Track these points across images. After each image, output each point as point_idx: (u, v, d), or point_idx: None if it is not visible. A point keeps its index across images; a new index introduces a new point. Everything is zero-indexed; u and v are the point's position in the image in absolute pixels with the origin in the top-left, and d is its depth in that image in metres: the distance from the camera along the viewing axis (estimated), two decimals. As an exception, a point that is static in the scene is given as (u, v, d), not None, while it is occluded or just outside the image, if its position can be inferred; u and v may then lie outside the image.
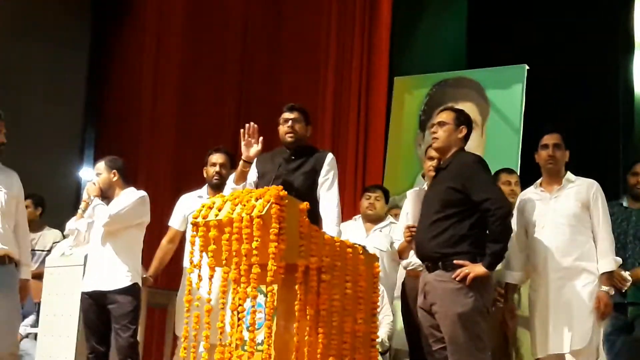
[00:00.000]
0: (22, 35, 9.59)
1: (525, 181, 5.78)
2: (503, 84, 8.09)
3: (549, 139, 5.21)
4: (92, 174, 9.45)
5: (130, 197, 5.72)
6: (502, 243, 4.55)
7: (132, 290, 5.61)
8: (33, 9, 9.74)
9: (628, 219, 5.60)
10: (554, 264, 4.97)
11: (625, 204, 5.72)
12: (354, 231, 6.39)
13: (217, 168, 5.94)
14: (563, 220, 5.03)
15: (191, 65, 9.82)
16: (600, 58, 8.33)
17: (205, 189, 6.04)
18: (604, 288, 4.94)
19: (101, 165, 5.87)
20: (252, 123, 5.13)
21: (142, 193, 5.80)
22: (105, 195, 5.78)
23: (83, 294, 5.72)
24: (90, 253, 5.77)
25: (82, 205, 5.86)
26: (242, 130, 5.11)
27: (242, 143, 5.10)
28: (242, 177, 5.11)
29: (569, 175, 5.20)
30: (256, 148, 5.08)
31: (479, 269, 4.48)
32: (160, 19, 9.93)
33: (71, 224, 5.92)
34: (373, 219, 6.42)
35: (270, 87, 9.55)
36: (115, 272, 5.59)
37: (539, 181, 5.29)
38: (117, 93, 10.30)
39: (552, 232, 5.03)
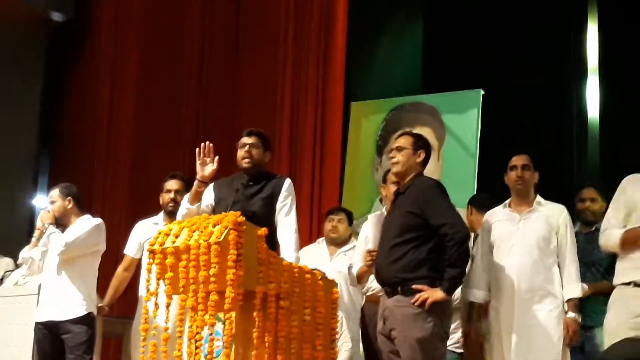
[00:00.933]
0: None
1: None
2: (459, 108, 8.14)
3: (517, 160, 5.24)
4: (46, 202, 9.38)
5: (85, 224, 5.66)
6: (460, 268, 4.56)
7: (86, 320, 5.53)
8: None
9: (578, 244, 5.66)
10: (522, 285, 4.99)
11: (577, 228, 5.76)
12: (318, 254, 6.36)
13: (172, 195, 5.89)
14: (532, 242, 5.06)
15: (147, 92, 9.77)
16: (554, 82, 8.44)
17: (161, 215, 5.99)
18: (571, 315, 4.98)
19: (55, 192, 5.80)
20: (207, 142, 5.09)
21: (98, 220, 5.75)
22: (60, 222, 5.71)
23: (37, 323, 5.62)
24: (44, 282, 5.68)
25: (36, 233, 5.78)
26: (197, 150, 5.08)
27: (198, 162, 5.07)
28: (197, 197, 5.07)
29: (539, 198, 5.22)
30: (211, 167, 5.05)
31: (437, 293, 4.48)
32: (116, 46, 9.89)
33: (25, 253, 5.83)
34: (337, 242, 6.39)
35: (228, 113, 9.52)
36: (70, 301, 5.51)
37: (507, 201, 5.31)
38: (72, 120, 10.22)
39: (520, 253, 5.06)
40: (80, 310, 5.51)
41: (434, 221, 4.56)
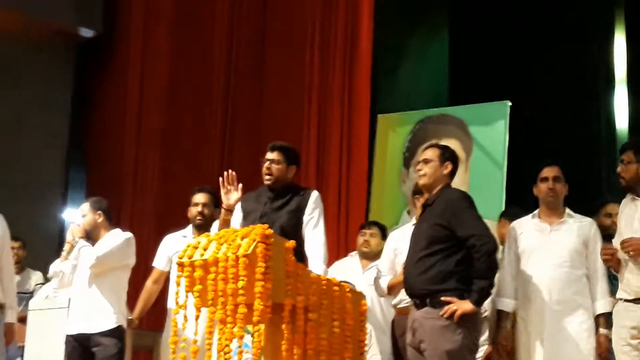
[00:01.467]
0: (6, 79, 9.59)
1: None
2: (486, 120, 8.12)
3: (548, 172, 5.21)
4: (75, 215, 9.44)
5: (116, 238, 5.69)
6: (489, 279, 4.54)
7: (117, 333, 5.56)
8: (17, 54, 9.76)
9: None
10: (553, 296, 4.97)
11: None
12: (350, 268, 6.36)
13: (199, 208, 5.92)
14: (564, 253, 5.04)
15: (175, 105, 9.84)
16: (581, 93, 8.41)
17: (189, 228, 6.01)
18: (603, 331, 4.95)
19: (86, 206, 5.84)
20: (230, 171, 5.11)
21: (128, 234, 5.78)
22: (90, 236, 5.75)
23: (67, 336, 5.66)
24: (75, 295, 5.72)
25: (67, 247, 5.81)
26: (220, 179, 5.09)
27: (222, 192, 5.09)
28: (225, 225, 5.07)
29: (569, 210, 5.21)
30: (236, 196, 5.07)
31: (466, 305, 4.47)
32: (144, 59, 9.96)
33: (55, 266, 5.87)
34: (369, 256, 6.36)
35: (254, 126, 9.56)
36: (101, 314, 5.55)
37: (536, 212, 5.28)
38: (101, 134, 10.29)
39: (551, 264, 5.03)
40: (110, 323, 5.54)
41: (462, 233, 4.56)
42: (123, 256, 5.67)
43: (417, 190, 5.67)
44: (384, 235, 6.41)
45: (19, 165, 9.40)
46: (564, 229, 5.12)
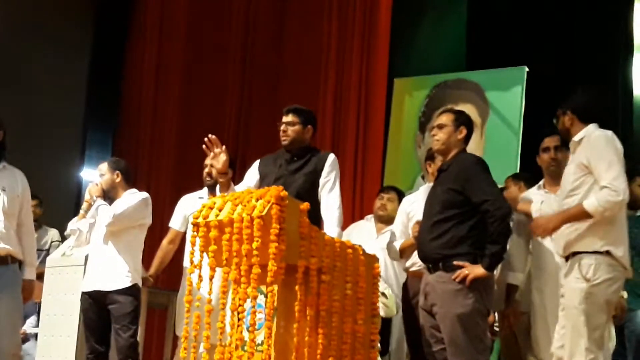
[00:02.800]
0: (24, 37, 9.63)
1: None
2: (503, 85, 8.09)
3: (549, 142, 5.21)
4: (93, 175, 9.50)
5: (133, 198, 5.75)
6: (501, 244, 4.56)
7: (132, 291, 5.63)
8: (35, 11, 9.78)
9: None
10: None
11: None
12: (365, 231, 6.39)
13: (207, 169, 5.95)
14: None
15: (193, 66, 9.87)
16: (599, 60, 8.33)
17: (206, 190, 6.06)
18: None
19: (104, 166, 5.89)
20: (210, 135, 5.04)
21: (145, 194, 5.84)
22: (108, 195, 5.81)
23: (83, 293, 5.73)
24: (91, 253, 5.78)
25: (84, 205, 5.87)
26: (203, 147, 5.02)
27: (209, 158, 5.08)
28: (225, 188, 5.02)
29: None
30: (223, 158, 4.97)
31: (478, 270, 4.49)
32: (162, 22, 9.99)
33: (73, 224, 5.93)
34: (384, 220, 6.37)
35: (271, 88, 9.57)
36: (116, 272, 5.61)
37: (541, 182, 5.29)
38: (119, 95, 10.35)
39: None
40: (126, 281, 5.60)
41: (476, 198, 4.57)
42: (139, 215, 5.72)
43: (430, 156, 5.67)
44: (401, 201, 6.42)
45: (37, 125, 9.46)
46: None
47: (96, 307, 5.66)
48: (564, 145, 5.13)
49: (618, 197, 4.30)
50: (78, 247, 5.99)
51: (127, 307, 5.57)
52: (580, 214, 4.36)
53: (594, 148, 4.44)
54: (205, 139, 5.00)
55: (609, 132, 4.50)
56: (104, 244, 5.69)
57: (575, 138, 4.58)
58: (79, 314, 5.85)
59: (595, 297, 4.31)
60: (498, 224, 4.50)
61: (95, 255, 5.74)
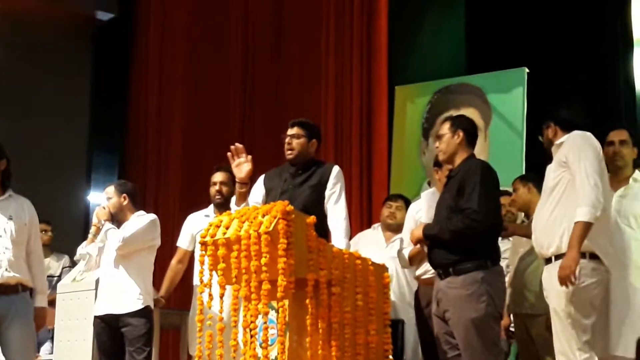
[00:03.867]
0: (27, 63, 9.68)
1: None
2: (504, 88, 8.09)
3: (614, 135, 5.10)
4: (100, 198, 9.50)
5: (140, 220, 5.76)
6: (448, 236, 4.58)
7: (145, 313, 5.63)
8: (36, 37, 9.83)
9: None
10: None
11: None
12: (373, 240, 6.38)
13: (217, 187, 5.97)
14: (632, 220, 4.86)
15: (195, 85, 9.90)
16: (599, 56, 8.32)
17: (211, 208, 6.06)
18: None
19: (111, 189, 5.90)
20: (236, 144, 5.07)
21: (153, 216, 5.84)
22: (116, 218, 5.81)
23: (96, 317, 5.73)
24: (102, 277, 5.79)
25: (93, 229, 5.88)
26: (229, 153, 5.06)
27: (233, 165, 5.07)
28: (242, 199, 5.04)
29: (637, 174, 5.02)
30: (247, 167, 5.00)
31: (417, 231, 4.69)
32: (162, 41, 10.03)
33: (82, 249, 5.94)
34: (393, 229, 6.35)
35: (273, 103, 9.58)
36: (128, 295, 5.61)
37: None
38: (123, 116, 10.39)
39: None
40: (138, 304, 5.60)
41: (462, 201, 4.58)
42: (148, 237, 5.73)
43: (437, 162, 5.68)
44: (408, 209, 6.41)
45: (42, 150, 9.49)
46: (631, 194, 4.94)
47: (109, 331, 5.66)
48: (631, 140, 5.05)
49: (602, 198, 4.31)
50: (88, 271, 6.00)
51: (141, 330, 5.57)
52: (582, 230, 4.31)
53: (573, 145, 4.48)
54: (232, 147, 5.02)
55: (588, 133, 4.52)
56: (114, 267, 5.68)
57: (557, 142, 4.62)
58: (93, 338, 5.84)
59: (580, 300, 4.32)
60: (465, 226, 4.51)
61: (106, 279, 5.73)
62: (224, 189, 5.90)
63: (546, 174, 4.66)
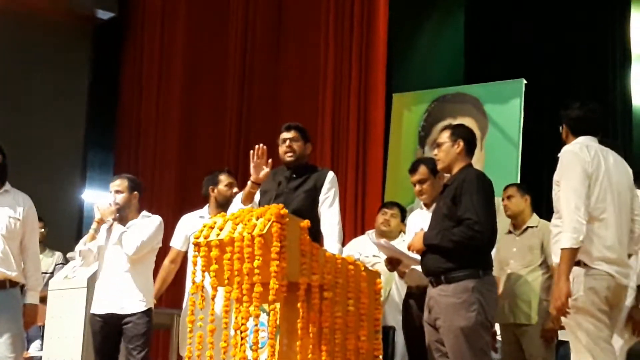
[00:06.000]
0: (27, 60, 9.68)
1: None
2: (501, 98, 8.11)
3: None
4: (95, 195, 9.52)
5: (150, 223, 5.66)
6: (448, 244, 4.57)
7: (148, 314, 5.58)
8: (34, 36, 9.84)
9: None
10: None
11: None
12: (367, 247, 6.38)
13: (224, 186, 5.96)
14: None
15: (192, 88, 9.90)
16: (597, 70, 8.37)
17: (206, 209, 6.05)
18: None
19: (123, 183, 5.73)
20: (261, 145, 5.08)
21: (160, 219, 5.74)
22: (120, 214, 5.67)
23: (94, 315, 5.62)
24: (103, 275, 5.66)
25: (94, 225, 5.68)
26: (251, 152, 5.07)
27: (252, 164, 5.07)
28: (250, 198, 5.07)
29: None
30: (265, 170, 5.04)
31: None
32: (161, 40, 10.03)
33: (82, 246, 5.72)
34: (387, 235, 6.33)
35: (270, 107, 9.58)
36: (133, 296, 5.53)
37: None
38: (120, 115, 10.39)
39: None
40: (141, 305, 5.53)
41: (460, 212, 4.57)
42: (156, 240, 5.66)
43: (413, 169, 5.65)
44: (403, 217, 6.42)
45: (38, 147, 9.49)
46: None
47: (107, 330, 5.56)
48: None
49: (584, 218, 4.29)
50: (85, 266, 5.90)
51: (142, 329, 5.50)
52: (567, 257, 4.21)
53: (560, 165, 4.42)
54: (257, 146, 5.04)
55: (579, 145, 4.43)
56: (118, 266, 5.57)
57: (560, 154, 4.62)
58: (83, 336, 5.82)
59: (583, 310, 4.26)
60: (468, 237, 4.51)
61: (107, 277, 5.62)
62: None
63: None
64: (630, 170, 4.51)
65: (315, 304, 4.05)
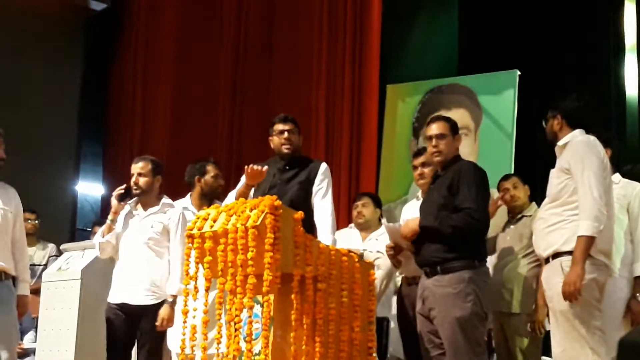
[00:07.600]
0: (19, 51, 9.66)
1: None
2: (495, 89, 8.12)
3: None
4: (88, 187, 9.49)
5: (176, 213, 5.58)
6: (452, 230, 4.57)
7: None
8: (27, 28, 9.82)
9: None
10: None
11: None
12: (352, 239, 6.37)
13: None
14: None
15: (184, 80, 9.88)
16: (591, 61, 8.37)
17: (188, 198, 5.95)
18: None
19: (147, 166, 5.62)
20: (264, 168, 5.06)
21: (180, 209, 5.65)
22: (141, 197, 5.60)
23: (110, 304, 5.50)
24: (121, 265, 5.57)
25: (111, 216, 5.57)
26: (246, 167, 5.04)
27: (247, 172, 5.04)
28: (243, 197, 5.00)
29: (616, 176, 5.04)
30: (260, 177, 5.05)
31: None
32: (153, 31, 10.00)
33: (99, 238, 5.62)
34: (365, 227, 6.30)
35: (263, 98, 9.58)
36: (151, 288, 5.45)
37: None
38: (112, 107, 10.37)
39: None
40: (162, 297, 5.44)
41: (458, 201, 4.59)
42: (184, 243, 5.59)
43: (417, 153, 5.65)
44: (377, 204, 6.36)
45: (32, 138, 9.46)
46: None
47: (124, 317, 5.44)
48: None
49: (605, 209, 4.30)
50: (104, 257, 5.75)
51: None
52: (585, 244, 4.26)
53: (575, 153, 4.44)
54: (254, 168, 5.01)
55: (592, 138, 4.48)
56: (138, 256, 5.49)
57: (560, 143, 4.60)
58: (77, 327, 5.80)
59: (584, 298, 4.28)
60: (467, 223, 4.53)
61: (126, 267, 5.52)
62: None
63: (550, 178, 4.63)
64: None
65: (309, 295, 4.04)
